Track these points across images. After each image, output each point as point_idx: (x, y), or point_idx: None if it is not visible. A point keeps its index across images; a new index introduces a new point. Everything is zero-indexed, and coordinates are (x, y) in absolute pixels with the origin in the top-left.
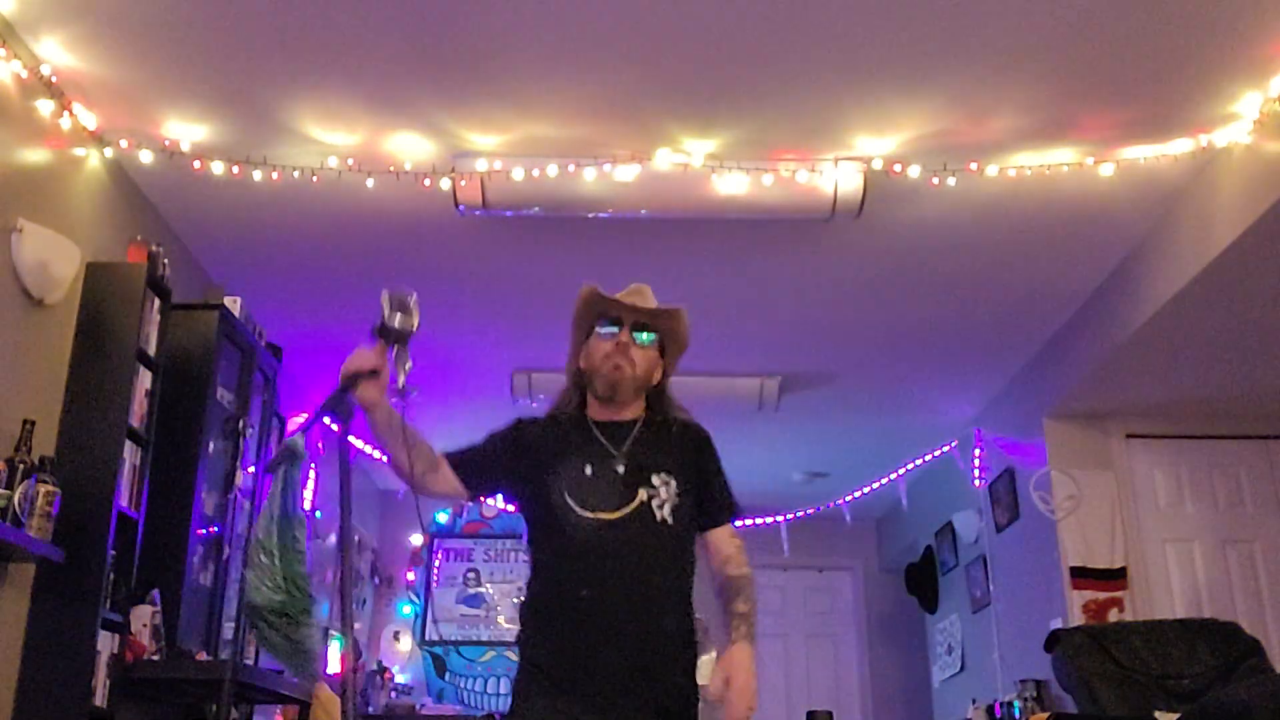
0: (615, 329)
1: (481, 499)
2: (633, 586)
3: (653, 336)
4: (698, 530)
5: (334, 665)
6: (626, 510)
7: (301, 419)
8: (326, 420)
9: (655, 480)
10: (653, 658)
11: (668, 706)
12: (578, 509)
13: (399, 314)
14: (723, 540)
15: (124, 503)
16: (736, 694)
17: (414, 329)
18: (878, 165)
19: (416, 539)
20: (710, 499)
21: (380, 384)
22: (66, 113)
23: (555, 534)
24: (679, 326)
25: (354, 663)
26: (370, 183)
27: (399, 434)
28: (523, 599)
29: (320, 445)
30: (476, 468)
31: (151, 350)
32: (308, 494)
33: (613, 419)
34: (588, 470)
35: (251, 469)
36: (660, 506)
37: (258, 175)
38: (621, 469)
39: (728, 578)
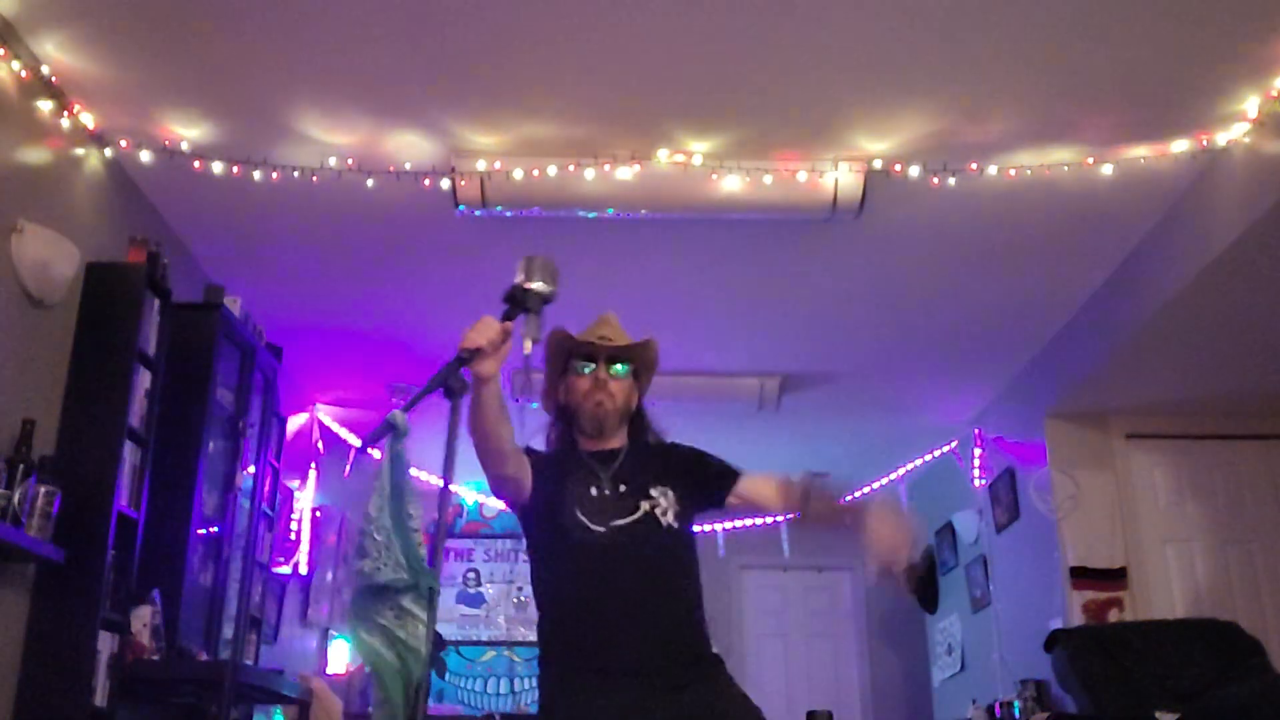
0: (591, 365)
1: (510, 493)
2: (648, 584)
3: (627, 367)
4: (723, 503)
5: (337, 666)
6: (634, 517)
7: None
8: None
9: (654, 491)
10: (670, 646)
11: (685, 691)
12: (589, 524)
13: (539, 280)
14: (752, 480)
15: (124, 503)
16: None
17: (553, 297)
18: (878, 165)
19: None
20: (711, 472)
21: (500, 357)
22: (66, 113)
23: (569, 549)
24: (650, 355)
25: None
26: (370, 183)
27: (504, 410)
28: (540, 616)
29: (320, 444)
30: (528, 460)
31: (151, 350)
32: (307, 490)
33: (601, 449)
34: (593, 491)
35: (251, 469)
36: (664, 513)
37: (258, 175)
38: (622, 488)
39: (788, 485)
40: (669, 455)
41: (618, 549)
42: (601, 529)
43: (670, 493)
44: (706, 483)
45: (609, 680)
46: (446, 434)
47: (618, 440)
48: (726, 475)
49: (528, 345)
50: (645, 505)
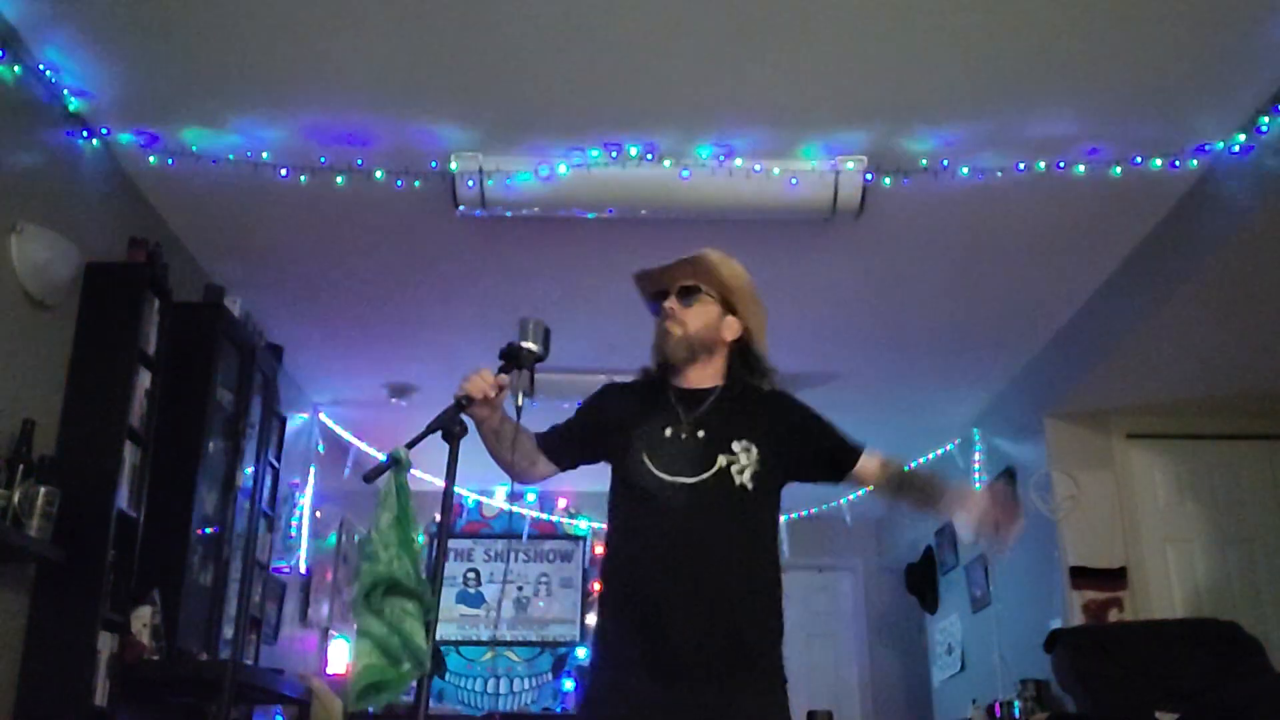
0: (660, 299)
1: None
2: (708, 549)
3: (698, 295)
4: (843, 478)
5: (337, 666)
6: (705, 475)
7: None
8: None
9: (735, 447)
10: (723, 621)
11: (738, 674)
12: (657, 471)
13: (533, 341)
14: (868, 461)
15: (124, 503)
16: (1005, 513)
17: (544, 357)
18: (878, 165)
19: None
20: (833, 444)
21: (494, 405)
22: (66, 113)
23: (635, 495)
24: (722, 273)
25: None
26: (370, 183)
27: (507, 438)
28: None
29: (320, 445)
30: (560, 446)
31: (151, 350)
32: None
33: (691, 387)
34: (667, 433)
35: (250, 469)
36: (740, 472)
37: (258, 175)
38: (701, 434)
39: (895, 468)
40: (774, 408)
41: (680, 511)
42: (668, 479)
43: (754, 450)
44: (826, 454)
45: (640, 670)
46: (445, 475)
47: (710, 379)
48: (849, 450)
49: (519, 398)
50: (722, 460)
